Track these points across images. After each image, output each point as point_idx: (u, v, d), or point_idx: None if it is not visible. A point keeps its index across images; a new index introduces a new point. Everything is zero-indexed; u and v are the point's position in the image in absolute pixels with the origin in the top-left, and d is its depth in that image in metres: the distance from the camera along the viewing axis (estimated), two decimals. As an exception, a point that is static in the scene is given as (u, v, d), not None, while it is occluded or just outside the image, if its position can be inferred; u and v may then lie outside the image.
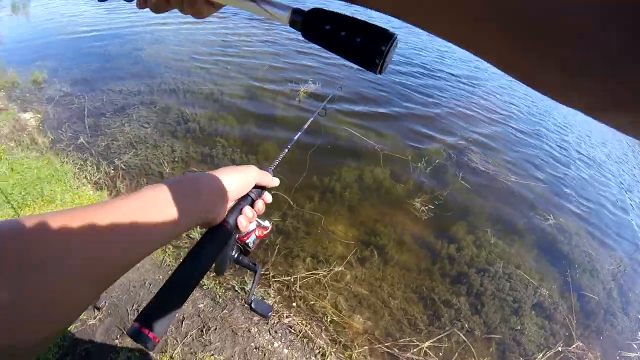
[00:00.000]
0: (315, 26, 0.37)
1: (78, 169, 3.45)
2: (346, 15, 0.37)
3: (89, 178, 3.35)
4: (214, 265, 0.61)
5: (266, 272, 2.64)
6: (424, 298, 2.84)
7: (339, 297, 2.65)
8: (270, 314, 0.71)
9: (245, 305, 0.72)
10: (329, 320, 2.47)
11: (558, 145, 6.23)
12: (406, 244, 3.20)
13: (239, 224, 0.60)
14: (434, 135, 5.06)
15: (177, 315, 0.43)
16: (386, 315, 2.63)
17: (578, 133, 7.37)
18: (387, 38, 0.34)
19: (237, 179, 0.59)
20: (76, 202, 3.03)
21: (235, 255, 0.72)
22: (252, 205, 0.64)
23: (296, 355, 2.24)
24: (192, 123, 4.18)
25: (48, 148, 3.75)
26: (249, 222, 0.62)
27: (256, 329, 2.30)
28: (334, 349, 2.31)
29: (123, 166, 3.48)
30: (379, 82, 6.46)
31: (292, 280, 2.63)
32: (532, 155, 5.47)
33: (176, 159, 3.60)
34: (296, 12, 0.39)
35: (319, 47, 0.38)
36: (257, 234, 0.73)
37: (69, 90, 5.10)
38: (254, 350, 2.19)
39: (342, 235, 3.12)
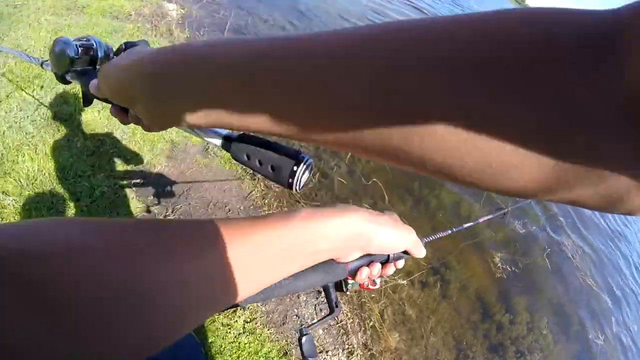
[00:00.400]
0: (239, 150, 0.44)
1: None
2: (266, 140, 0.43)
3: None
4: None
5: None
6: (459, 349, 2.80)
7: (388, 308, 2.63)
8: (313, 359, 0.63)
9: (296, 333, 0.64)
10: (370, 324, 2.47)
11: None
12: (469, 290, 3.11)
13: (358, 273, 0.52)
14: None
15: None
16: (421, 346, 2.62)
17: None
18: (298, 161, 0.41)
19: (391, 238, 0.49)
20: None
21: (329, 285, 0.63)
22: (383, 264, 0.56)
23: (328, 341, 2.28)
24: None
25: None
26: (368, 278, 0.54)
27: (304, 298, 2.34)
28: (362, 353, 2.33)
29: None
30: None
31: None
32: (618, 265, 5.10)
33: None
34: (225, 137, 0.46)
35: None
36: (359, 283, 0.64)
37: (218, -1, 4.99)
38: (294, 317, 2.24)
39: (415, 251, 3.07)
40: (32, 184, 2.06)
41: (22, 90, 2.62)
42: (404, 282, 2.77)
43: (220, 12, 4.69)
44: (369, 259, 0.53)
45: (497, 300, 3.22)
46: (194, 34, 3.97)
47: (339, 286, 0.63)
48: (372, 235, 0.47)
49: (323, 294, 0.62)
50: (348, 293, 0.62)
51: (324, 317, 0.62)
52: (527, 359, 3.09)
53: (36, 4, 3.83)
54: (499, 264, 3.43)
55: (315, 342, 0.61)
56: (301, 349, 0.59)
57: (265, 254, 0.36)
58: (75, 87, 2.58)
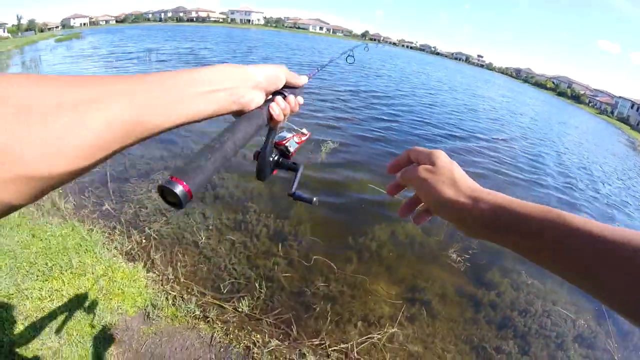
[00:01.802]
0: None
1: (107, 237, 3.30)
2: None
3: (119, 248, 3.19)
4: (256, 170, 0.68)
5: (322, 343, 2.63)
6: (475, 347, 2.88)
7: (397, 358, 2.67)
8: (315, 200, 0.71)
9: (289, 196, 0.65)
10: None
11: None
12: (449, 296, 3.25)
13: (271, 110, 0.59)
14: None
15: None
16: (444, 370, 2.67)
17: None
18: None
19: (267, 70, 0.58)
20: (110, 276, 2.85)
21: (276, 158, 0.72)
22: (285, 99, 0.63)
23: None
24: (220, 188, 4.23)
25: (72, 214, 3.61)
26: (282, 113, 0.61)
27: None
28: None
29: (155, 235, 3.38)
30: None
31: (349, 347, 2.65)
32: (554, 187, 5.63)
33: (210, 227, 3.59)
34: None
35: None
36: (296, 140, 0.75)
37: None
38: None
39: (386, 294, 3.16)
40: None
41: None
42: (394, 329, 2.84)
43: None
44: (270, 98, 0.61)
45: (476, 287, 3.41)
46: (80, 199, 3.62)
47: (284, 153, 0.73)
48: (250, 72, 0.54)
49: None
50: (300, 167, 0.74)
51: (296, 175, 0.72)
52: (532, 311, 3.26)
53: None
54: (457, 258, 3.66)
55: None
56: (301, 199, 0.70)
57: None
58: None
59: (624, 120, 48.75)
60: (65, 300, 2.54)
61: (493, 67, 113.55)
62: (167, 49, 22.06)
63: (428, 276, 3.43)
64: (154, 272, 2.97)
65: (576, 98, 71.45)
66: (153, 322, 2.53)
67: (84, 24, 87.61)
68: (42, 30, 63.53)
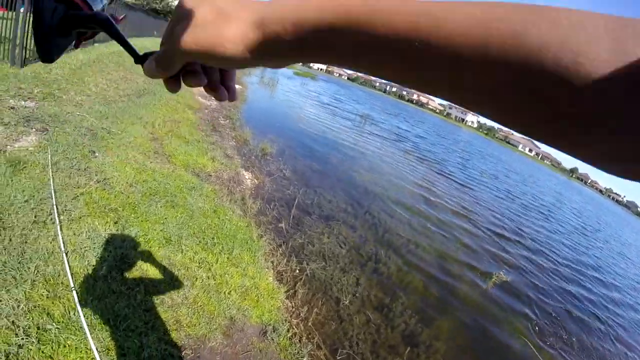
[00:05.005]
0: None
1: (270, 250, 3.59)
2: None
3: (275, 264, 3.44)
4: (36, 47, 0.42)
5: None
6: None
7: None
8: None
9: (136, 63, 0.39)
10: None
11: None
12: None
13: None
14: None
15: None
16: None
17: None
18: None
19: None
20: (255, 281, 3.00)
21: (59, 13, 0.42)
22: None
23: None
24: (382, 266, 4.26)
25: (253, 214, 4.04)
26: None
27: None
28: None
29: (309, 272, 3.57)
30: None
31: None
32: None
33: (357, 294, 3.63)
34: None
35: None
36: None
37: (289, 175, 5.87)
38: None
39: None
40: (77, 321, 1.87)
41: (95, 218, 2.62)
42: None
43: (289, 189, 5.20)
44: None
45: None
46: (265, 206, 4.29)
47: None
48: None
49: None
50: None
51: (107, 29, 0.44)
52: None
53: (128, 138, 4.12)
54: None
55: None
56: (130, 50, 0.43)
57: None
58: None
59: None
60: (209, 273, 2.75)
61: None
62: (382, 121, 23.18)
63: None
64: (291, 302, 3.13)
65: None
66: (265, 341, 2.58)
67: (321, 69, 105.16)
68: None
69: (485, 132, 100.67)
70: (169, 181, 3.66)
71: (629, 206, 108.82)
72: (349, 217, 5.19)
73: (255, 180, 5.12)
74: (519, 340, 4.09)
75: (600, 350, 4.67)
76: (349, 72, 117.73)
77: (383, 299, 3.73)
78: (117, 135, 4.07)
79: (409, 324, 3.53)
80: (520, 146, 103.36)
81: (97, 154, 3.51)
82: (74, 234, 2.42)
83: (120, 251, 2.47)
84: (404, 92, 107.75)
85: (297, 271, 3.55)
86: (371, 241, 4.70)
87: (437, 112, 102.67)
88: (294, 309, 3.05)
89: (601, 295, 7.22)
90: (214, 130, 6.56)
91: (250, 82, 18.31)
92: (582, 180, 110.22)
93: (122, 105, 5.31)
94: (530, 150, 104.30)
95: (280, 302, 2.99)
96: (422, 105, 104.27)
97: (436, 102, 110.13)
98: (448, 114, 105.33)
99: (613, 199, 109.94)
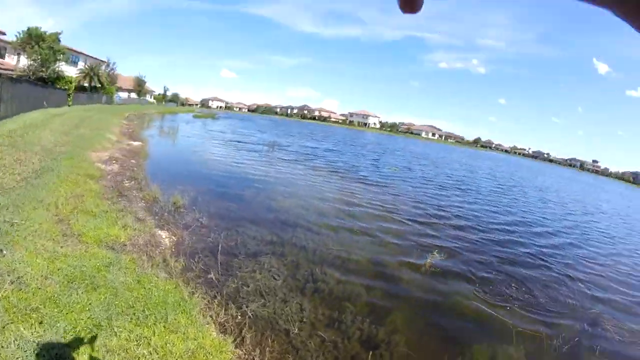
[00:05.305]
0: None
1: (205, 304, 3.46)
2: None
3: (214, 317, 3.32)
4: None
5: None
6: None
7: None
8: None
9: None
10: None
11: None
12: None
13: None
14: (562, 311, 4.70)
15: None
16: None
17: None
18: None
19: None
20: (199, 341, 2.89)
21: None
22: None
23: None
24: (321, 283, 4.35)
25: (178, 273, 3.89)
26: None
27: None
28: None
29: (250, 314, 3.51)
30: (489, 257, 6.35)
31: None
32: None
33: (304, 320, 3.65)
34: None
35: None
36: None
37: (206, 222, 5.71)
38: None
39: None
40: None
41: (20, 324, 2.40)
42: None
43: (210, 236, 5.04)
44: None
45: None
46: (189, 261, 4.12)
47: None
48: None
49: None
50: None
51: None
52: None
53: (33, 226, 3.80)
54: None
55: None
56: None
57: None
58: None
59: None
60: (150, 349, 2.61)
61: (609, 173, 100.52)
62: (289, 144, 23.61)
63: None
64: (242, 350, 3.05)
65: None
66: None
67: (220, 107, 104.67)
68: (183, 104, 77.24)
69: (388, 129, 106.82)
70: (84, 263, 3.43)
71: (535, 156, 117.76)
72: (277, 247, 5.23)
73: (173, 237, 4.94)
74: (471, 305, 4.48)
75: (553, 291, 5.30)
76: (248, 103, 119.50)
77: (331, 314, 3.81)
78: (22, 226, 3.73)
79: (363, 329, 3.66)
80: (423, 133, 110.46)
81: (4, 252, 3.18)
82: (2, 347, 2.21)
83: (54, 352, 2.29)
84: (305, 112, 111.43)
85: (239, 317, 3.46)
86: (304, 264, 4.79)
87: (340, 123, 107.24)
88: (246, 356, 2.99)
89: (538, 245, 8.06)
90: (120, 195, 6.17)
91: (150, 135, 17.43)
92: (487, 147, 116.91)
93: (20, 191, 4.82)
94: (434, 134, 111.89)
95: (230, 353, 2.90)
96: (324, 120, 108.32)
97: (337, 113, 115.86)
98: (350, 122, 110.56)
99: (520, 154, 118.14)
